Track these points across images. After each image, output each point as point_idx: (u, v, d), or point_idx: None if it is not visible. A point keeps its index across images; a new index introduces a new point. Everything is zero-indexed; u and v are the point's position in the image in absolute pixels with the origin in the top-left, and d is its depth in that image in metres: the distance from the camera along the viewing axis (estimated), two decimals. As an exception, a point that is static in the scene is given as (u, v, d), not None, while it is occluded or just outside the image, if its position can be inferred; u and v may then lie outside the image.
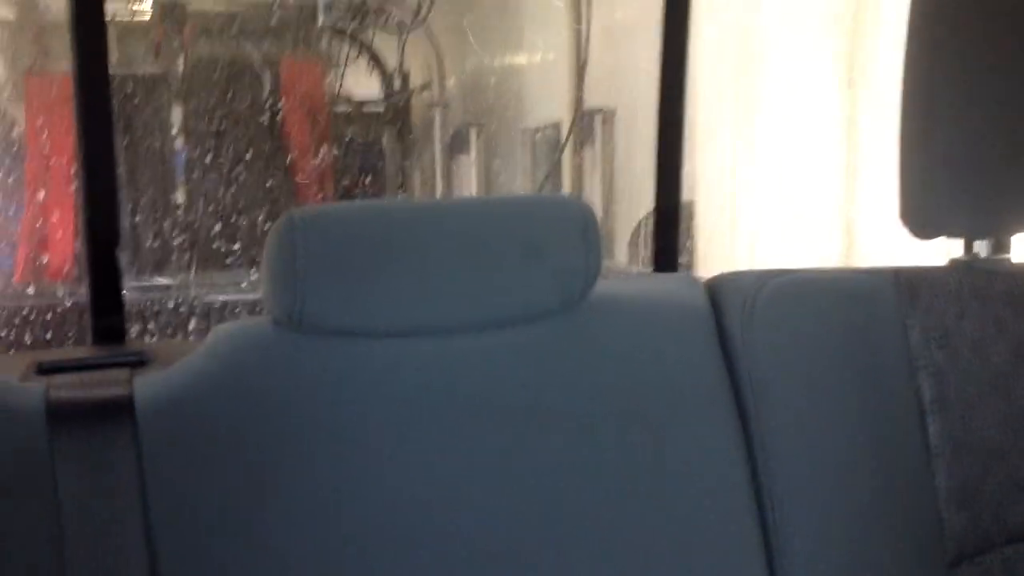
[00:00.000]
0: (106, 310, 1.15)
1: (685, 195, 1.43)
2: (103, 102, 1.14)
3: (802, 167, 2.63)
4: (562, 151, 3.54)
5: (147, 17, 3.64)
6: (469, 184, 3.83)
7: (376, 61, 4.59)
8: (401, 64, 4.19)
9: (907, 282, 0.98)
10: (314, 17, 3.92)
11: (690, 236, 2.72)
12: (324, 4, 3.92)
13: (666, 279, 1.14)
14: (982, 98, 0.97)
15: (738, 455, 0.95)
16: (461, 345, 0.91)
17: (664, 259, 1.35)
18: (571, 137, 3.50)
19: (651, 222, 1.36)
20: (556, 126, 3.67)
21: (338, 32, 4.24)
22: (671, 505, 0.92)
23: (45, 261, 3.31)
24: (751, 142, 2.69)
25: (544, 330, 0.94)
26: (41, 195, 3.30)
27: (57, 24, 3.61)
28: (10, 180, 3.39)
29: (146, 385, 0.87)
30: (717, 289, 1.02)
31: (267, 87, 3.72)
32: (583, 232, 0.92)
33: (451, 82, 4.06)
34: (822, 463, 0.95)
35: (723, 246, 2.70)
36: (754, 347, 0.96)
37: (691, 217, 2.72)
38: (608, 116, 3.39)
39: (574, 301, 0.94)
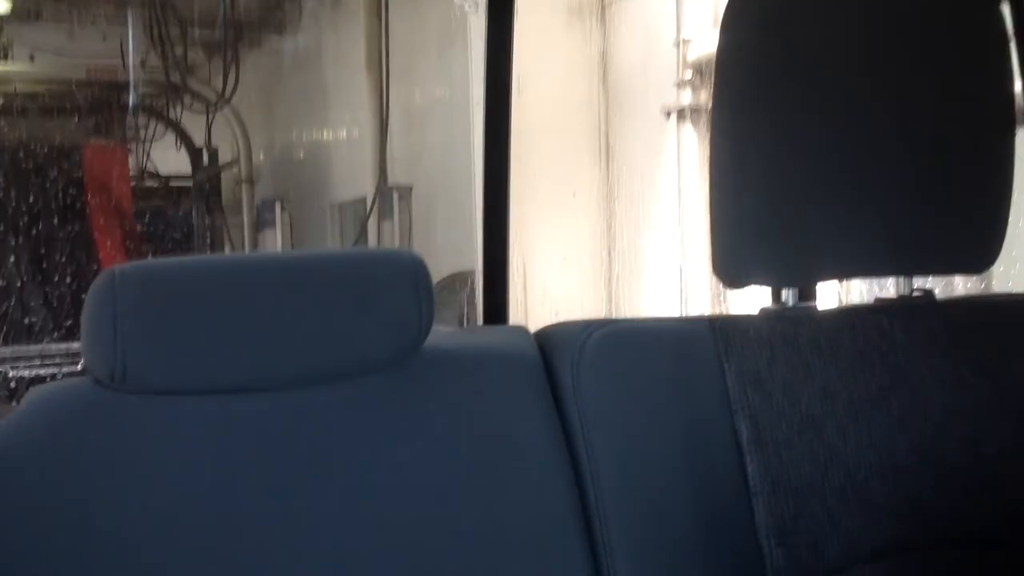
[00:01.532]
0: None
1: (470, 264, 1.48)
2: None
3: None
4: (365, 223, 3.71)
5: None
6: (277, 256, 3.90)
7: (183, 137, 4.67)
8: (208, 140, 4.30)
9: (722, 329, 1.03)
10: (120, 96, 3.99)
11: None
12: (132, 82, 3.99)
13: (497, 331, 1.18)
14: (788, 153, 1.01)
15: (570, 499, 0.97)
16: (292, 400, 0.90)
17: (494, 312, 1.36)
18: (373, 210, 3.67)
19: (454, 282, 1.42)
20: (362, 201, 3.84)
21: (145, 110, 4.32)
22: (505, 550, 0.93)
23: None
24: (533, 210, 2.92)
25: (377, 383, 0.94)
26: None
27: None
28: None
29: None
30: (546, 340, 1.04)
31: (71, 166, 3.74)
32: (415, 285, 0.93)
33: (260, 158, 4.19)
34: (649, 503, 0.98)
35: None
36: (584, 394, 0.98)
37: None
38: (404, 192, 3.60)
39: (407, 354, 0.94)
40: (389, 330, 0.93)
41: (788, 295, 1.07)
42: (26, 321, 3.61)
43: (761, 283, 1.08)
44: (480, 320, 1.37)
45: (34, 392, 0.89)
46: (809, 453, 1.02)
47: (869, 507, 1.02)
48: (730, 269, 1.06)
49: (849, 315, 1.09)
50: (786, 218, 1.02)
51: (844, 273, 1.16)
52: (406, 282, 0.93)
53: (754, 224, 1.03)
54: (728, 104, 1.01)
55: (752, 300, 1.09)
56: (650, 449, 0.98)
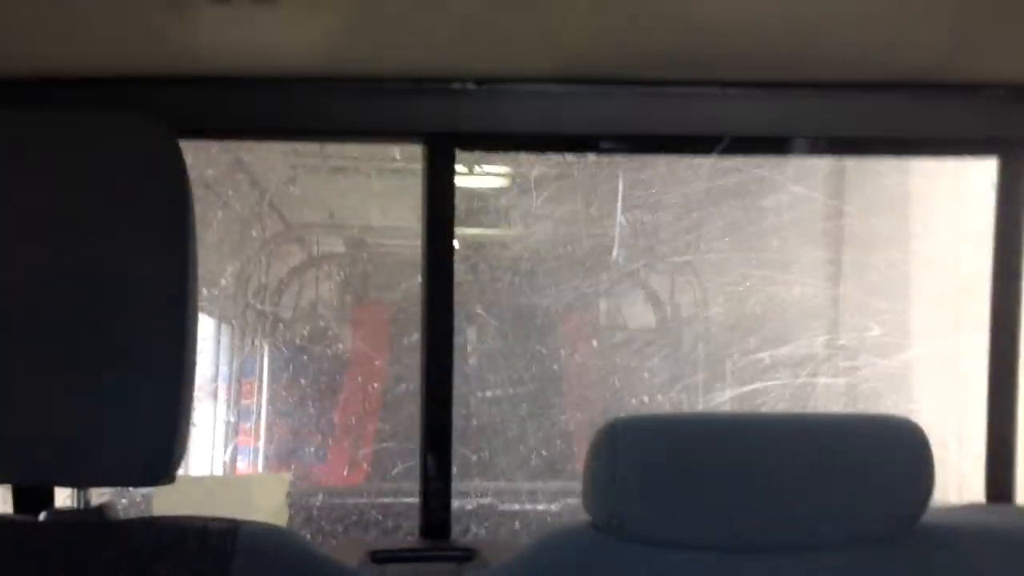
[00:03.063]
0: (435, 507, 1.20)
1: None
2: (447, 322, 1.22)
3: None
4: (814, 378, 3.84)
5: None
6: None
7: (649, 293, 5.11)
8: (671, 296, 4.66)
9: None
10: (597, 257, 4.49)
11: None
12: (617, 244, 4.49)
13: (1003, 511, 1.12)
14: None
15: None
16: (783, 565, 0.89)
17: (999, 490, 1.29)
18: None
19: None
20: (807, 358, 3.97)
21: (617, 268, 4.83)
22: None
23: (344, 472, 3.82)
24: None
25: (870, 557, 0.90)
26: (354, 412, 3.93)
27: (378, 257, 4.34)
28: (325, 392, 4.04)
29: None
30: None
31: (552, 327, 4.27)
32: (914, 455, 0.90)
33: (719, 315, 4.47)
34: None
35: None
36: None
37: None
38: (852, 353, 3.71)
39: (903, 527, 0.91)
40: (885, 501, 0.90)
41: None
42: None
43: None
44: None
45: (540, 533, 0.95)
46: None
47: None
48: None
49: None
50: None
51: None
52: (904, 451, 0.90)
53: None
54: None
55: None
56: None
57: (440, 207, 1.26)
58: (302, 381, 4.08)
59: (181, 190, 0.79)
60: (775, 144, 1.39)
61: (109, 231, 0.77)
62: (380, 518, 3.05)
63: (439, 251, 1.25)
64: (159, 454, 0.78)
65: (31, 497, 1.04)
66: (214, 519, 0.86)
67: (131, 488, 2.68)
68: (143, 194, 0.78)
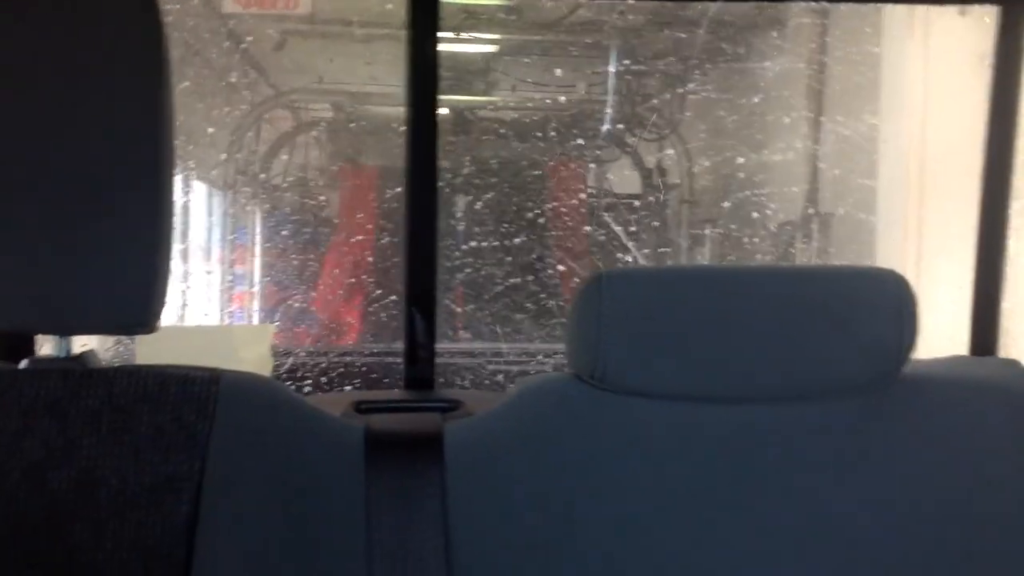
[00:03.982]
0: (419, 359, 1.20)
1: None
2: (430, 180, 1.19)
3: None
4: (788, 248, 3.92)
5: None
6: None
7: (637, 161, 5.14)
8: (659, 165, 4.71)
9: None
10: (584, 122, 4.52)
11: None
12: (610, 111, 4.52)
13: (986, 363, 1.09)
14: None
15: None
16: (760, 415, 0.88)
17: (981, 342, 1.29)
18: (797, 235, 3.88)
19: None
20: (788, 224, 4.04)
21: (604, 135, 4.85)
22: None
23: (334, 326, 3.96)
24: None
25: (851, 407, 0.89)
26: (338, 268, 4.05)
27: (367, 122, 4.42)
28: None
29: (456, 428, 0.90)
30: None
31: (537, 181, 4.33)
32: (898, 306, 0.88)
33: (701, 182, 4.52)
34: None
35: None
36: None
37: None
38: (826, 219, 3.77)
39: (885, 379, 0.90)
40: (868, 352, 0.88)
41: None
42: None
43: None
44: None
45: (522, 383, 0.93)
46: None
47: None
48: None
49: None
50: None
51: None
52: (889, 303, 0.88)
53: None
54: None
55: None
56: None
57: (423, 60, 1.21)
58: (293, 243, 4.19)
59: (157, 38, 0.77)
60: None
61: (83, 80, 0.76)
62: (367, 373, 3.13)
63: (423, 89, 1.20)
64: (139, 302, 0.78)
65: (11, 347, 1.02)
66: (196, 368, 0.85)
67: (115, 339, 2.81)
68: (117, 42, 0.76)
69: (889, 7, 3.12)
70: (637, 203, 4.65)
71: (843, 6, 3.53)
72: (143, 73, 0.77)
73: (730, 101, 4.39)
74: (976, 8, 2.98)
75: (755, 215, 4.16)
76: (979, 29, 2.82)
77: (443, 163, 1.24)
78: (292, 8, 3.62)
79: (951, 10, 2.76)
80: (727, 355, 0.87)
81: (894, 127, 3.02)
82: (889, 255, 3.11)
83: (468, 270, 4.15)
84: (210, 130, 4.11)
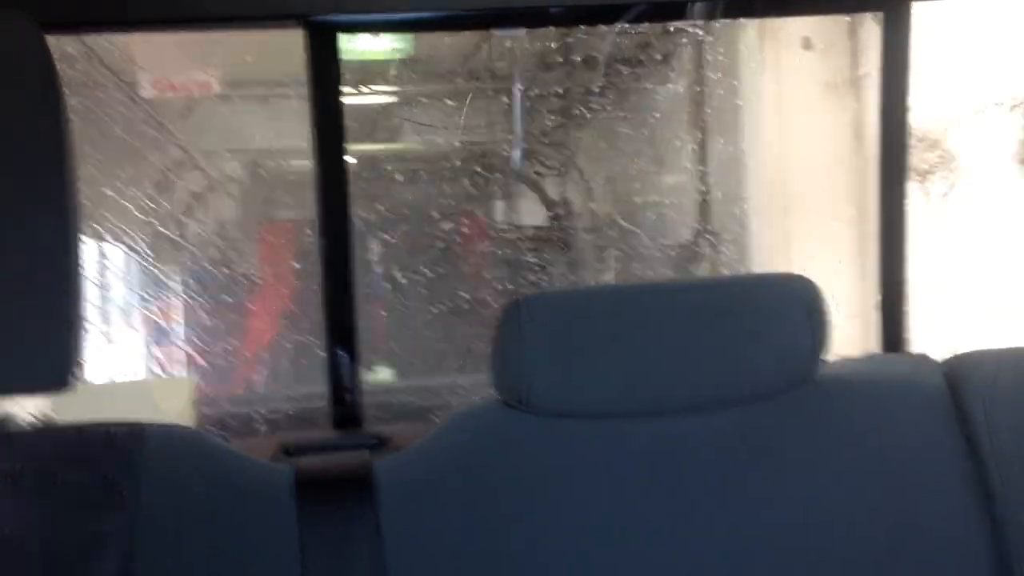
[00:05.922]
0: (344, 399, 1.19)
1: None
2: (343, 226, 1.19)
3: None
4: (684, 266, 4.15)
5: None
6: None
7: (541, 193, 5.36)
8: (562, 196, 4.93)
9: None
10: (488, 160, 4.73)
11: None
12: (517, 148, 4.72)
13: (898, 360, 1.12)
14: None
15: (981, 543, 0.90)
16: (681, 426, 0.89)
17: (893, 340, 1.31)
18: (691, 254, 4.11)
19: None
20: (682, 246, 4.28)
21: (507, 172, 5.06)
22: None
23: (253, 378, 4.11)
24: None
25: (769, 412, 0.90)
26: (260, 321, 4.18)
27: (284, 180, 4.58)
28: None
29: (385, 465, 0.89)
30: (956, 370, 0.98)
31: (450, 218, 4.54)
32: (808, 310, 0.90)
33: (602, 211, 4.74)
34: None
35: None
36: (999, 429, 0.92)
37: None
38: (716, 237, 4.03)
39: (800, 381, 0.92)
40: (781, 356, 0.89)
41: None
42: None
43: None
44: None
45: (450, 413, 0.93)
46: None
47: None
48: None
49: None
50: None
51: None
52: (798, 307, 0.90)
53: None
54: None
55: None
56: None
57: (326, 95, 1.20)
58: (214, 299, 4.31)
59: (52, 89, 0.71)
60: (676, 9, 1.32)
61: None
62: (293, 418, 3.23)
63: (329, 139, 1.20)
64: (51, 361, 0.72)
65: None
66: (118, 423, 0.84)
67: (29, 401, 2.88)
68: (14, 104, 0.70)
69: (741, 43, 3.37)
70: (543, 234, 4.88)
71: (710, 37, 3.77)
72: (42, 138, 0.71)
73: (627, 133, 4.64)
74: (818, 43, 3.25)
75: (648, 240, 4.39)
76: (823, 60, 3.08)
77: (356, 210, 1.23)
78: (207, 92, 3.78)
79: (797, 44, 3.01)
80: (646, 369, 0.88)
81: (757, 149, 3.28)
82: (762, 267, 3.35)
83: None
84: (124, 195, 4.24)
